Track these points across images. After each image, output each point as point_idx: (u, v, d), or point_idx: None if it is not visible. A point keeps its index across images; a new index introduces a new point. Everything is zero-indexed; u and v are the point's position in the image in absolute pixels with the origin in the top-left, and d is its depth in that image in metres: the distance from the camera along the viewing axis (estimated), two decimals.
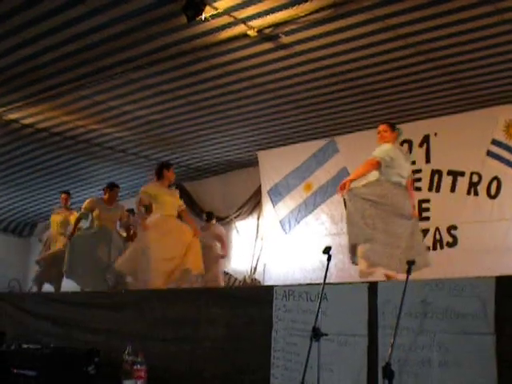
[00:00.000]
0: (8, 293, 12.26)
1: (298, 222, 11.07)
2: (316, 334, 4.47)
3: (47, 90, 9.26)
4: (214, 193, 13.49)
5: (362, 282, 5.47)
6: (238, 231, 12.84)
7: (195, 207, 13.65)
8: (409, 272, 4.45)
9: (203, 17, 6.82)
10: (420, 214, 9.91)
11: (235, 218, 12.84)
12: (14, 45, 7.79)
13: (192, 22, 6.88)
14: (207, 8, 6.77)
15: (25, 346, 7.23)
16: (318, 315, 4.56)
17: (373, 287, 5.08)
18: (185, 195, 13.74)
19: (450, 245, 9.53)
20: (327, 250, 4.80)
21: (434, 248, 9.63)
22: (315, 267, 9.14)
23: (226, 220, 12.78)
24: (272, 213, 11.84)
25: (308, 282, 8.91)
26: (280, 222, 11.55)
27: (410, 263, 4.50)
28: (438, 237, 9.66)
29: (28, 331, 8.04)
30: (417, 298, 4.74)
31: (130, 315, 7.07)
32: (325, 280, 4.77)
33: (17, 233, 17.10)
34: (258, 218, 12.47)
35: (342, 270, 9.99)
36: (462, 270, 8.87)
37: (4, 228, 17.04)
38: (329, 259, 4.80)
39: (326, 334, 4.55)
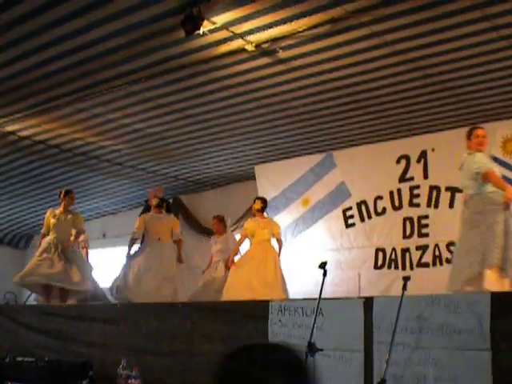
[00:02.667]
0: (3, 305, 12.20)
1: (295, 237, 11.07)
2: (311, 349, 4.45)
3: (45, 102, 9.26)
4: (210, 206, 13.44)
5: (358, 298, 5.46)
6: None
7: (191, 221, 13.62)
8: (404, 287, 4.45)
9: (201, 31, 6.83)
10: (419, 230, 9.93)
11: (232, 231, 12.80)
12: (12, 57, 7.78)
13: (190, 36, 6.89)
14: (205, 22, 6.77)
15: (19, 358, 7.20)
16: (313, 330, 4.54)
17: (368, 302, 5.08)
18: (181, 208, 13.74)
19: (449, 261, 9.47)
20: (323, 265, 4.79)
21: (434, 264, 9.63)
22: (311, 282, 9.11)
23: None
24: None
25: (304, 297, 8.90)
26: None
27: (406, 279, 4.50)
28: (437, 253, 9.64)
29: (23, 344, 8.01)
30: (412, 314, 4.74)
31: (125, 329, 7.06)
32: (320, 295, 4.77)
33: (13, 245, 17.05)
34: None
35: (339, 285, 9.99)
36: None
37: (0, 240, 17.00)
38: (324, 274, 4.79)
39: (322, 350, 4.53)
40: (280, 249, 9.92)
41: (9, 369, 6.87)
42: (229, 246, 10.83)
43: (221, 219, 11.23)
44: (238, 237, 11.56)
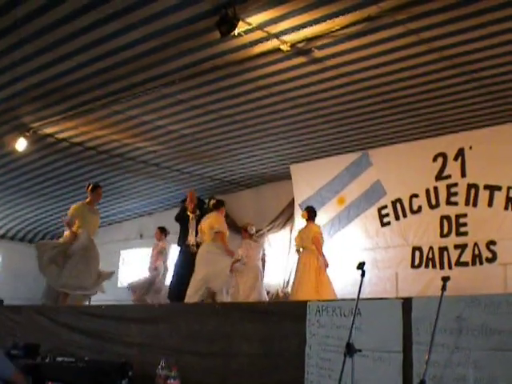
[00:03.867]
0: (42, 305, 12.35)
1: (332, 236, 11.04)
2: (349, 349, 4.43)
3: (82, 104, 9.38)
4: (246, 206, 13.50)
5: (396, 298, 5.42)
6: (270, 244, 12.82)
7: (228, 220, 13.65)
8: (444, 288, 4.40)
9: (237, 32, 6.85)
10: (457, 228, 9.82)
11: (268, 231, 12.83)
12: (49, 61, 7.90)
13: (225, 37, 6.92)
14: (241, 23, 6.79)
15: (59, 358, 7.28)
16: (351, 331, 4.52)
17: (407, 303, 5.03)
18: None
19: (489, 260, 9.38)
20: (361, 266, 4.76)
21: (473, 263, 9.52)
22: (349, 282, 9.08)
23: (258, 233, 12.76)
24: None
25: (341, 297, 8.87)
26: None
27: (445, 279, 4.45)
28: (476, 252, 9.52)
29: (62, 344, 8.09)
30: (452, 314, 4.68)
31: (164, 329, 7.09)
32: (358, 295, 4.73)
33: None
34: (291, 232, 12.41)
35: (376, 285, 9.95)
36: (501, 286, 8.75)
37: (39, 241, 17.22)
38: (362, 275, 4.76)
39: (360, 350, 4.50)
40: (318, 250, 10.03)
41: (49, 369, 6.94)
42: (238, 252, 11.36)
43: (245, 228, 11.89)
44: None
